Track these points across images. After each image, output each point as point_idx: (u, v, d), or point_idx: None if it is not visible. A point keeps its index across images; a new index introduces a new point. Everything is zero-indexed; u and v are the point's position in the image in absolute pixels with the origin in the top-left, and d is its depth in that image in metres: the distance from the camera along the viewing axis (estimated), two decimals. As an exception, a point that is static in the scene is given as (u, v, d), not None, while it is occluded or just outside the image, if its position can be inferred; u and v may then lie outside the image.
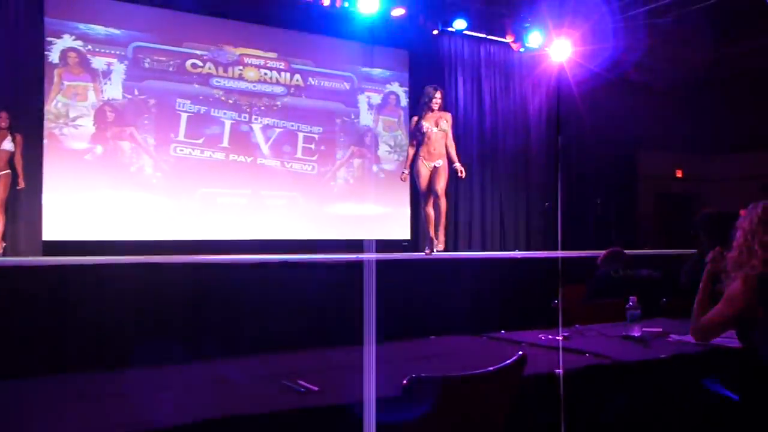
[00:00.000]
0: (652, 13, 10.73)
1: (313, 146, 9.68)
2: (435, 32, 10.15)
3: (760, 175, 12.20)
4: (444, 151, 7.23)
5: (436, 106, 7.21)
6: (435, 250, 7.28)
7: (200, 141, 8.87)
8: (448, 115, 7.35)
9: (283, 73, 9.54)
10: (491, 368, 1.94)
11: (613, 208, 10.79)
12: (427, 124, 7.19)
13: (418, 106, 7.54)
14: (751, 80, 12.77)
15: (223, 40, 9.13)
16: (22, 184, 7.28)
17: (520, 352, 2.00)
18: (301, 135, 9.60)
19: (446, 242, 7.56)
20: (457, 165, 7.23)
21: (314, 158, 9.68)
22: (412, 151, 7.33)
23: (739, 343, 2.81)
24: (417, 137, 7.27)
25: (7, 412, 1.82)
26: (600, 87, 11.84)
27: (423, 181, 7.30)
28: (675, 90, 13.29)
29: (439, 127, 7.20)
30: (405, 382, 1.78)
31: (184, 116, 8.79)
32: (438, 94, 7.27)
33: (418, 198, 10.25)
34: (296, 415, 1.80)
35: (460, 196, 10.41)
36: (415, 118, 7.35)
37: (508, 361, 1.96)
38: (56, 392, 2.04)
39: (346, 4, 9.12)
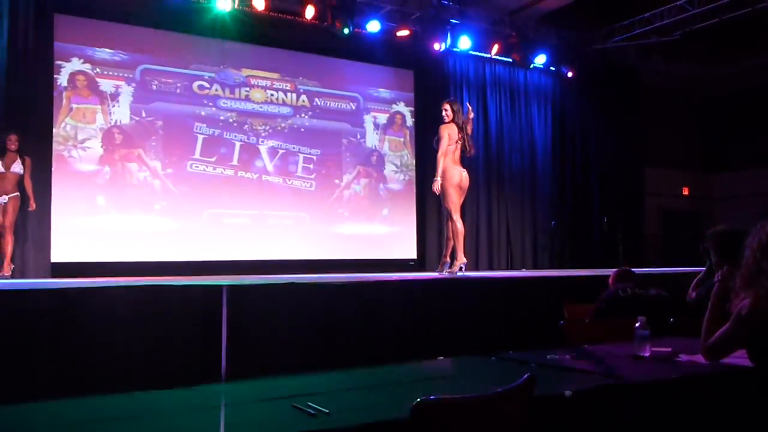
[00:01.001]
0: (658, 31, 10.78)
1: (318, 167, 9.72)
2: (437, 46, 10.13)
3: (766, 192, 12.18)
4: (438, 168, 7.02)
5: (446, 119, 7.09)
6: (443, 270, 7.17)
7: (210, 161, 8.93)
8: (440, 128, 7.10)
9: (289, 94, 9.60)
10: (500, 389, 1.94)
11: (620, 225, 10.77)
12: None
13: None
14: (757, 97, 12.79)
15: (230, 61, 9.20)
16: (33, 207, 7.31)
17: (529, 373, 2.00)
18: (306, 155, 9.64)
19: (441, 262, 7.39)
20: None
21: (320, 178, 9.71)
22: None
23: (751, 363, 2.79)
24: None
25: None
26: (606, 104, 11.89)
27: None
28: (681, 107, 13.34)
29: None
30: (414, 404, 1.77)
31: (192, 138, 8.85)
32: (444, 106, 7.12)
33: (425, 218, 10.30)
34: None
35: (467, 214, 10.42)
36: None
37: (517, 382, 1.96)
38: (65, 415, 2.04)
39: (346, 31, 9.17)
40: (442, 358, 3.03)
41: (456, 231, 7.06)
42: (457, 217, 7.09)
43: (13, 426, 1.92)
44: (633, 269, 5.10)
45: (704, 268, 4.42)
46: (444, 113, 7.09)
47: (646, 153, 12.61)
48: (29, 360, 3.76)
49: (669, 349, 3.18)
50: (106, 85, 8.40)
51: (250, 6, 8.68)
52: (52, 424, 1.94)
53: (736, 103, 13.27)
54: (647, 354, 3.04)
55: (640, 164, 12.57)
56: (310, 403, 2.01)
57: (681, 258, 10.06)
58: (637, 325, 3.10)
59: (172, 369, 3.80)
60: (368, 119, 10.25)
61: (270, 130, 9.40)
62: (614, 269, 5.10)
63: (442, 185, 6.99)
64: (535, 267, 11.03)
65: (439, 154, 6.96)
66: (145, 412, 2.08)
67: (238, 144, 9.16)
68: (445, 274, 7.05)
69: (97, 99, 8.34)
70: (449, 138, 6.97)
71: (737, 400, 2.67)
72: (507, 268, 10.74)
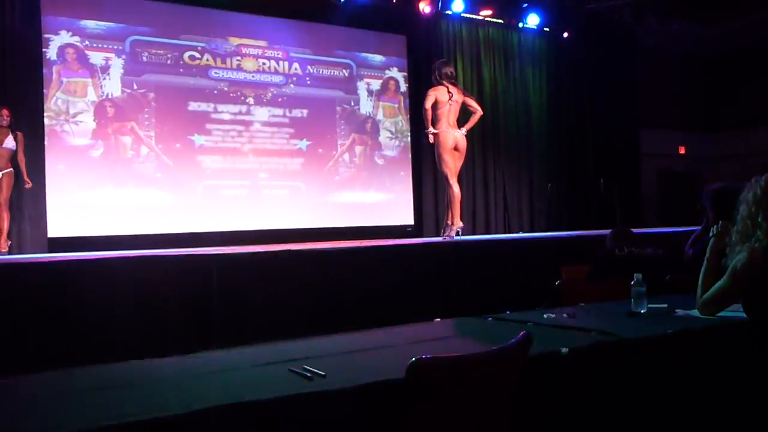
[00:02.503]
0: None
1: (313, 135, 9.66)
2: (428, 9, 10.05)
3: (762, 151, 12.17)
4: (426, 120, 7.09)
5: (433, 81, 7.18)
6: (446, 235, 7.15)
7: (204, 132, 8.87)
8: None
9: (281, 62, 9.52)
10: (496, 348, 1.94)
11: (616, 187, 10.76)
12: None
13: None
14: (752, 56, 12.72)
15: (221, 31, 9.10)
16: (29, 184, 7.26)
17: (524, 331, 2.00)
18: (300, 124, 9.58)
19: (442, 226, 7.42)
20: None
21: (315, 147, 9.67)
22: None
23: (746, 316, 2.81)
24: None
25: (15, 406, 1.83)
26: (601, 66, 11.80)
27: None
28: (676, 67, 13.26)
29: None
30: (409, 363, 1.78)
31: (184, 109, 8.78)
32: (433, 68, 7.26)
33: (422, 184, 10.28)
34: (304, 400, 1.80)
35: (463, 179, 10.40)
36: None
37: (512, 341, 1.96)
38: (65, 385, 2.05)
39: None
40: (438, 320, 3.04)
41: (453, 195, 7.07)
42: (453, 181, 7.08)
43: (11, 396, 1.93)
44: (633, 229, 5.10)
45: (700, 227, 4.43)
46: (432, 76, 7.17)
47: (641, 113, 12.55)
48: (27, 332, 3.78)
49: (665, 306, 3.19)
50: (96, 57, 8.31)
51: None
52: (49, 394, 1.94)
53: (731, 62, 13.20)
54: (644, 311, 3.06)
55: (636, 125, 12.52)
56: (307, 366, 2.02)
57: (678, 218, 10.08)
58: (633, 282, 3.11)
59: (169, 338, 3.82)
60: (362, 86, 10.17)
61: (263, 100, 9.33)
62: (611, 230, 5.11)
63: (437, 151, 7.01)
64: (533, 230, 11.04)
65: (425, 108, 7.00)
66: (143, 379, 2.09)
67: (231, 114, 9.10)
68: (443, 238, 7.06)
69: (87, 72, 8.25)
70: (436, 99, 7.01)
71: (733, 352, 2.69)
72: (504, 232, 10.74)
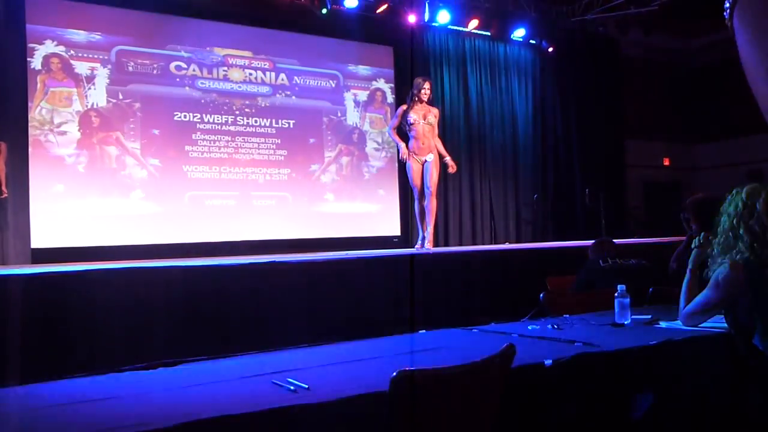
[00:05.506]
0: (636, 2, 10.75)
1: (299, 146, 9.66)
2: (415, 20, 10.16)
3: (744, 162, 12.29)
4: (433, 146, 7.19)
5: (425, 98, 7.16)
6: (425, 246, 7.22)
7: (190, 142, 8.84)
8: (436, 110, 7.36)
9: (268, 73, 9.52)
10: (478, 359, 1.95)
11: (602, 197, 10.81)
12: (414, 116, 7.14)
13: (407, 97, 7.46)
14: (734, 68, 12.83)
15: (207, 41, 9.09)
16: (5, 194, 7.17)
17: (508, 343, 2.01)
18: (287, 135, 9.58)
19: (437, 236, 7.47)
20: (448, 159, 7.21)
21: (302, 158, 9.67)
22: (400, 142, 7.29)
23: (728, 327, 2.83)
24: (405, 129, 7.24)
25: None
26: (586, 77, 11.89)
27: (415, 177, 7.25)
28: (660, 78, 13.37)
29: (426, 120, 7.12)
30: (393, 375, 1.78)
31: (170, 119, 8.76)
32: (427, 85, 7.20)
33: (408, 194, 10.29)
34: (286, 413, 1.80)
35: (450, 189, 10.44)
36: (404, 107, 7.29)
37: (495, 352, 1.97)
38: (49, 398, 2.04)
39: (324, 11, 9.11)
40: (423, 331, 3.04)
41: (435, 208, 7.25)
42: None
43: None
44: (616, 240, 5.14)
45: (685, 237, 4.46)
46: (430, 92, 7.24)
47: (626, 125, 12.65)
48: (11, 345, 3.74)
49: (649, 317, 3.21)
50: (81, 67, 8.27)
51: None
52: (33, 407, 1.93)
53: (715, 74, 13.33)
54: (627, 322, 3.07)
55: (620, 136, 12.61)
56: (290, 379, 2.02)
57: (663, 228, 10.14)
58: (617, 293, 3.13)
59: (153, 350, 3.79)
60: (348, 97, 10.18)
61: (250, 110, 9.32)
62: (593, 241, 5.14)
63: (431, 164, 7.15)
64: (519, 240, 11.07)
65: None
66: (127, 392, 2.07)
67: (217, 125, 9.08)
68: (428, 248, 7.11)
69: (72, 82, 8.21)
70: None
71: (715, 363, 2.71)
72: (491, 242, 10.77)
